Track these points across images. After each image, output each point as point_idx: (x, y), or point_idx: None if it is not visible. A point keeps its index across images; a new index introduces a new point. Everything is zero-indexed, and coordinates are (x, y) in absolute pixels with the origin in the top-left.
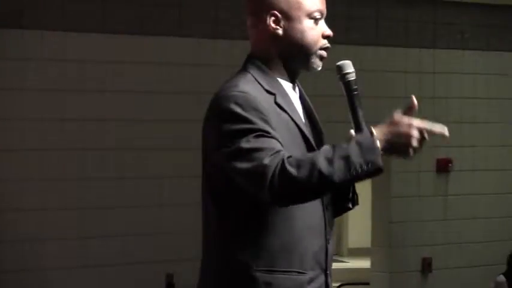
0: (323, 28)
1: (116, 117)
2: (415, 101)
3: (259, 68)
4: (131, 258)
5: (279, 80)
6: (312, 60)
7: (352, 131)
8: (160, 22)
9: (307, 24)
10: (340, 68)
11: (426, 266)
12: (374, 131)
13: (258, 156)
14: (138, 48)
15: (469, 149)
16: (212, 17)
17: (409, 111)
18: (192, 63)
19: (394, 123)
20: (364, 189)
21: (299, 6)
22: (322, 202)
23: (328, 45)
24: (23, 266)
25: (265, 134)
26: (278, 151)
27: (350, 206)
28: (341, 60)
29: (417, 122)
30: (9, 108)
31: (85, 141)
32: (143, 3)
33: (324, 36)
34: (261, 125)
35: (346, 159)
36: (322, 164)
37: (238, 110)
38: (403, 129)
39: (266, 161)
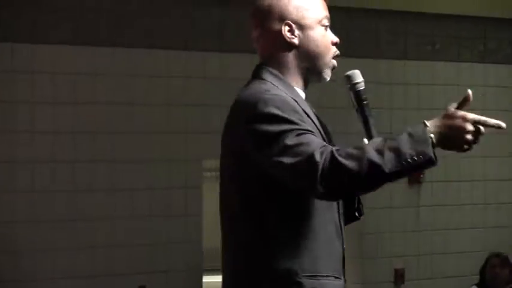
0: (331, 35)
1: (88, 130)
2: (471, 94)
3: (277, 77)
4: (103, 270)
5: (295, 88)
6: (325, 70)
7: (365, 140)
8: (132, 34)
9: (319, 31)
10: (350, 78)
11: (399, 277)
12: (427, 123)
13: (305, 150)
14: (110, 59)
15: (440, 160)
16: (186, 29)
17: (463, 104)
18: (165, 75)
19: (448, 116)
20: None
21: (310, 15)
22: (338, 209)
23: (338, 52)
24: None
25: (307, 132)
26: (325, 145)
27: (357, 215)
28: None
29: (472, 115)
30: None
31: (56, 154)
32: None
33: (333, 43)
34: (302, 125)
35: (397, 150)
36: (373, 155)
37: (278, 112)
38: (457, 122)
39: (316, 154)
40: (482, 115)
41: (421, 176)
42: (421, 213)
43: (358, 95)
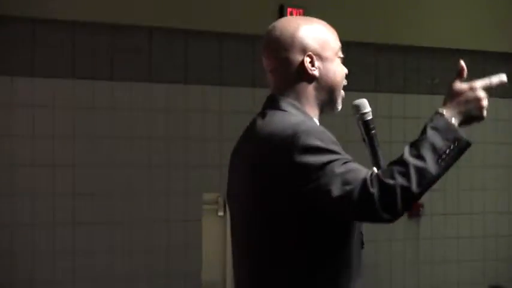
0: (343, 66)
1: (88, 162)
2: (463, 63)
3: (297, 108)
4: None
5: (314, 119)
6: (339, 101)
7: (375, 169)
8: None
9: (337, 63)
10: (358, 108)
11: None
12: (442, 110)
13: (356, 177)
14: (108, 93)
15: (439, 193)
16: (185, 63)
17: (461, 75)
18: (163, 108)
19: (456, 94)
20: None
21: (329, 46)
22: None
23: (346, 83)
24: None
25: (350, 161)
26: (368, 170)
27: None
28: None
29: (477, 83)
30: None
31: (56, 186)
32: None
33: (346, 75)
34: (344, 154)
35: (432, 148)
36: (415, 162)
37: (321, 143)
38: (469, 95)
39: (368, 181)
40: (482, 148)
41: (421, 209)
42: (420, 246)
43: (366, 124)
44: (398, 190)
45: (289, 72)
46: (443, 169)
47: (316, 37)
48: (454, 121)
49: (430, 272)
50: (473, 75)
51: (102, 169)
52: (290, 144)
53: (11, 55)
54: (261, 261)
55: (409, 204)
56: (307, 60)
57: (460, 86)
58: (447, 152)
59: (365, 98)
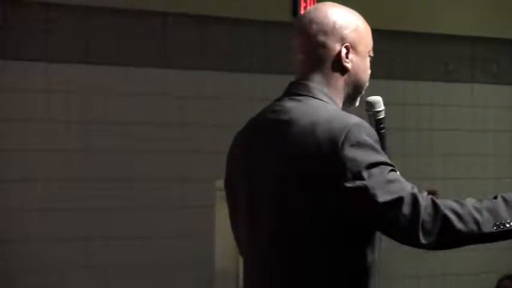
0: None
1: (102, 148)
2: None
3: (330, 98)
4: None
5: None
6: (359, 98)
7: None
8: (143, 53)
9: (367, 61)
10: (372, 105)
11: None
12: None
13: (402, 188)
14: (122, 78)
15: (453, 182)
16: (198, 49)
17: None
18: (176, 94)
19: None
20: None
21: (365, 42)
22: None
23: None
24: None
25: (395, 168)
26: (412, 185)
27: None
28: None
29: None
30: None
31: (71, 172)
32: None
33: None
34: (387, 159)
35: (494, 212)
36: (474, 212)
37: (370, 140)
38: None
39: (418, 197)
40: (495, 137)
41: (435, 196)
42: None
43: (378, 123)
44: (448, 224)
45: (323, 58)
46: (491, 237)
47: (356, 30)
48: None
49: (443, 260)
50: (489, 63)
51: (117, 155)
52: (339, 136)
53: (25, 40)
54: (294, 250)
55: (447, 243)
56: (343, 50)
57: None
58: (505, 224)
59: (378, 85)
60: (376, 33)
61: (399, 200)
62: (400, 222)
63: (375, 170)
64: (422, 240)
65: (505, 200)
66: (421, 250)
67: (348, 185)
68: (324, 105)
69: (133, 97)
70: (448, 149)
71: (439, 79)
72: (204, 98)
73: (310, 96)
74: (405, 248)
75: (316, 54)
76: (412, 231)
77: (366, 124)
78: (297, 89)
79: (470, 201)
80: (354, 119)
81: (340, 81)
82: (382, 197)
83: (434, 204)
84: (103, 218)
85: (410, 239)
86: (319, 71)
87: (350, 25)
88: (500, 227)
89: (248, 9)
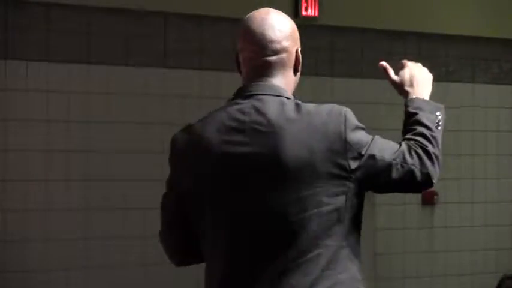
0: None
1: (101, 148)
2: (383, 63)
3: (291, 97)
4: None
5: None
6: None
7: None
8: (144, 53)
9: None
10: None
11: None
12: (412, 97)
13: (398, 148)
14: (123, 78)
15: (454, 182)
16: (197, 49)
17: (387, 72)
18: (177, 94)
19: (410, 79)
20: None
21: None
22: None
23: None
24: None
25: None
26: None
27: None
28: (326, 92)
29: (402, 61)
30: None
31: (71, 173)
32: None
33: None
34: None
35: (433, 115)
36: (427, 135)
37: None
38: (416, 70)
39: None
40: (496, 137)
41: (435, 197)
42: (434, 234)
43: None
44: (436, 155)
45: (285, 62)
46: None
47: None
48: (426, 96)
49: (444, 261)
50: (490, 63)
51: (117, 155)
52: (341, 122)
53: (26, 40)
54: (311, 242)
55: (438, 167)
56: (298, 53)
57: (404, 70)
58: (438, 120)
59: (379, 85)
60: (376, 33)
61: (403, 155)
62: (413, 170)
63: (376, 142)
64: (434, 179)
65: (420, 109)
66: (421, 250)
67: (358, 162)
68: (305, 103)
69: (134, 97)
70: (448, 149)
71: (440, 79)
72: (205, 98)
73: (280, 96)
74: (405, 248)
75: (279, 58)
76: (425, 174)
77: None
78: (261, 90)
79: (415, 133)
80: (343, 107)
81: (293, 80)
82: (390, 157)
83: (425, 148)
84: (103, 218)
85: (426, 182)
86: (281, 73)
87: (296, 30)
88: (439, 124)
89: (249, 9)
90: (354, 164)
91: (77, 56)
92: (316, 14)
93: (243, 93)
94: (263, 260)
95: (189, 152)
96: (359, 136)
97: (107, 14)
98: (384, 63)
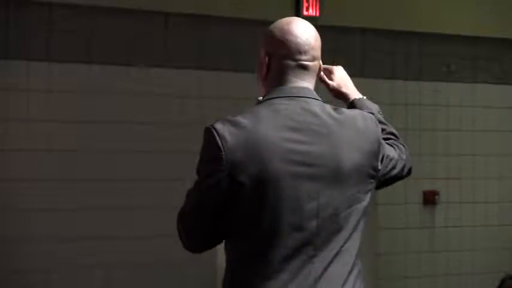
0: None
1: (106, 148)
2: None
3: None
4: None
5: None
6: None
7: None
8: (146, 53)
9: None
10: None
11: None
12: (352, 95)
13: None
14: (125, 78)
15: (455, 182)
16: (198, 49)
17: (328, 73)
18: (177, 94)
19: (342, 82)
20: None
21: None
22: None
23: None
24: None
25: None
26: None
27: None
28: (327, 92)
29: (331, 68)
30: None
31: (76, 172)
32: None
33: None
34: None
35: (380, 114)
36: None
37: None
38: (341, 74)
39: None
40: (497, 137)
41: (436, 197)
42: (436, 234)
43: None
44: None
45: (317, 68)
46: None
47: None
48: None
49: (445, 260)
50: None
51: (118, 154)
52: (377, 126)
53: (28, 39)
54: (349, 235)
55: None
56: (321, 63)
57: (334, 78)
58: (381, 114)
59: (381, 84)
60: (377, 33)
61: (398, 151)
62: (405, 164)
63: (384, 144)
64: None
65: (369, 107)
66: (422, 250)
67: (382, 163)
68: (336, 107)
69: (135, 97)
70: (450, 149)
71: (441, 79)
72: (205, 97)
73: (319, 100)
74: (407, 248)
75: (314, 65)
76: (409, 166)
77: None
78: (310, 94)
79: (387, 132)
80: (367, 113)
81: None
82: (393, 154)
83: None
84: (103, 218)
85: (409, 172)
86: (313, 78)
87: None
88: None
89: (250, 9)
90: (380, 165)
91: (78, 56)
92: (318, 14)
93: (285, 95)
94: (314, 250)
95: (247, 148)
96: (383, 141)
97: (108, 14)
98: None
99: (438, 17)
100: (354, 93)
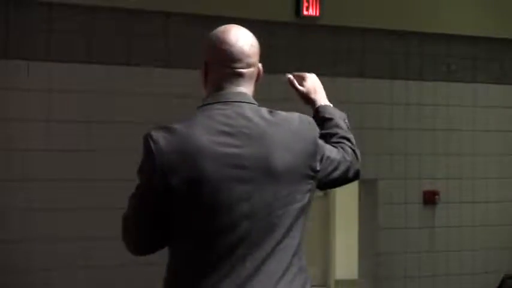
0: None
1: (106, 147)
2: (289, 76)
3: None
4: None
5: None
6: None
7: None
8: (146, 53)
9: None
10: None
11: None
12: (320, 102)
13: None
14: (125, 78)
15: (455, 182)
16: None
17: (300, 79)
18: (178, 94)
19: (312, 89)
20: (351, 220)
21: None
22: None
23: None
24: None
25: None
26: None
27: None
28: (327, 92)
29: (302, 74)
30: None
31: (75, 172)
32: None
33: None
34: None
35: (343, 121)
36: (349, 134)
37: None
38: (313, 81)
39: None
40: (497, 136)
41: (436, 197)
42: (436, 233)
43: None
44: (358, 154)
45: (254, 74)
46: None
47: None
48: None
49: (445, 260)
50: (491, 63)
51: (119, 154)
52: (313, 129)
53: (28, 39)
54: (284, 234)
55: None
56: (260, 68)
57: (305, 85)
58: (348, 125)
59: (382, 84)
60: (378, 33)
61: (343, 153)
62: (350, 167)
63: (325, 145)
64: (360, 175)
65: (332, 114)
66: (422, 250)
67: (320, 163)
68: (271, 110)
69: (135, 96)
70: (450, 149)
71: (442, 79)
72: None
73: (255, 104)
74: (407, 248)
75: (251, 71)
76: (356, 168)
77: None
78: (245, 98)
79: (340, 136)
80: (306, 116)
81: (253, 92)
82: (336, 156)
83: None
84: (103, 218)
85: (357, 176)
86: (250, 84)
87: None
88: (349, 128)
89: (250, 9)
90: (318, 166)
91: (78, 56)
92: (318, 14)
93: (221, 100)
94: (247, 249)
95: (179, 152)
96: (321, 141)
97: (108, 13)
98: (290, 76)
99: (438, 17)
100: (321, 100)
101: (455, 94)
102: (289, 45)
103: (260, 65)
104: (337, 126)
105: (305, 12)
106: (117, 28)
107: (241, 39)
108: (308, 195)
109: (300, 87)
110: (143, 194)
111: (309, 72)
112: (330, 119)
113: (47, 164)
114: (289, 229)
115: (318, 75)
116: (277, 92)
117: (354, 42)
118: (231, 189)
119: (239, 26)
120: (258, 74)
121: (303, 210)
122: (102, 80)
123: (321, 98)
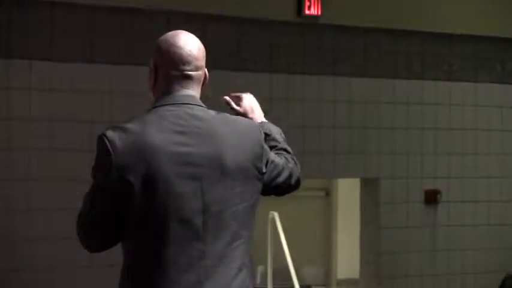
0: None
1: None
2: (226, 98)
3: None
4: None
5: None
6: None
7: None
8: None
9: None
10: None
11: None
12: (258, 120)
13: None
14: (127, 77)
15: (457, 181)
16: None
17: (237, 99)
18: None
19: (250, 106)
20: (353, 219)
21: None
22: None
23: None
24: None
25: None
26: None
27: None
28: (328, 91)
29: (240, 95)
30: None
31: (77, 172)
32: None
33: None
34: None
35: (280, 135)
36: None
37: None
38: (249, 101)
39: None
40: (499, 136)
41: (438, 196)
42: (437, 232)
43: None
44: (298, 164)
45: (201, 77)
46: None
47: None
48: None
49: (447, 259)
50: (493, 62)
51: None
52: (260, 132)
53: (30, 39)
54: (237, 231)
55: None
56: (206, 72)
57: (242, 105)
58: (284, 138)
59: (383, 84)
60: (379, 32)
61: (286, 160)
62: (292, 175)
63: (269, 151)
64: (300, 183)
65: (271, 131)
66: (427, 249)
67: (267, 167)
68: (219, 112)
69: (137, 96)
70: (452, 148)
71: (443, 78)
72: (206, 97)
73: (202, 106)
74: (409, 247)
75: (199, 74)
76: (297, 176)
77: None
78: (194, 101)
79: (279, 148)
80: (251, 120)
81: (200, 94)
82: (280, 162)
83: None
84: None
85: (298, 185)
86: (197, 86)
87: None
88: (285, 141)
89: (252, 8)
90: (264, 168)
91: (80, 55)
92: (319, 13)
93: (171, 102)
94: (203, 245)
95: (135, 151)
96: (266, 145)
97: (110, 13)
98: (226, 97)
99: (440, 16)
100: (259, 118)
101: (457, 93)
102: (291, 45)
103: (206, 69)
104: (275, 140)
105: (307, 12)
106: (119, 27)
107: (190, 43)
108: (256, 196)
109: (237, 107)
110: (99, 192)
111: (309, 72)
112: (268, 135)
113: (49, 163)
114: (242, 228)
115: (319, 74)
116: (277, 91)
117: (355, 41)
118: (184, 186)
119: (187, 32)
120: (205, 78)
121: (253, 209)
122: (103, 80)
123: (258, 116)
